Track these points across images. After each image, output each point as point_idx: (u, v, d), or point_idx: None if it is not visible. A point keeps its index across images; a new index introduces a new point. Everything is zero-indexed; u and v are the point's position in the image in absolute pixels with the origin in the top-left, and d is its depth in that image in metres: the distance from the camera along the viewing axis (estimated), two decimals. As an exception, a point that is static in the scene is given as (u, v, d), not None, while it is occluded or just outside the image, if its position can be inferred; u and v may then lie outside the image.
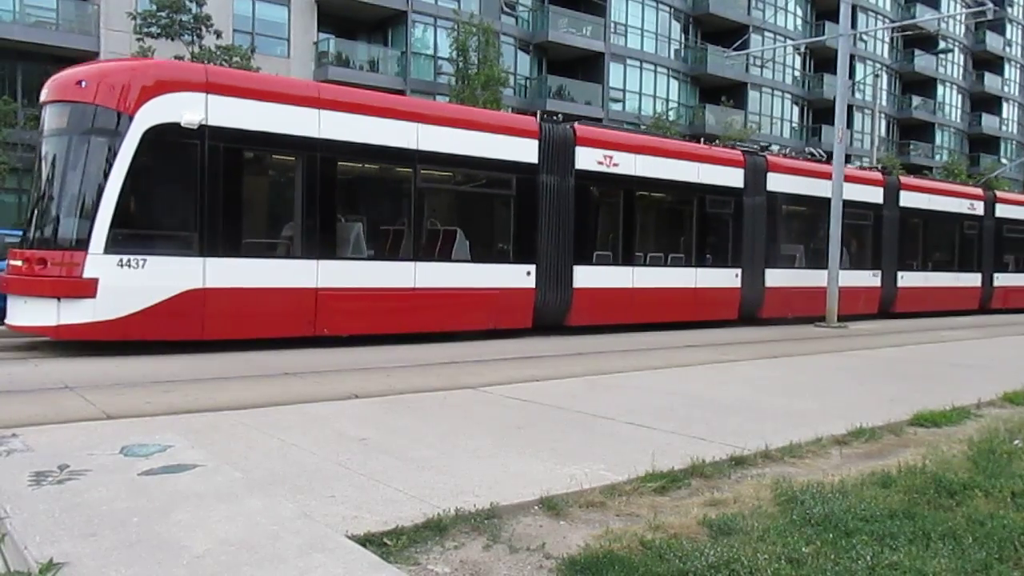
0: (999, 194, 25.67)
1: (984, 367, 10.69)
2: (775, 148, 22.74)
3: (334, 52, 33.12)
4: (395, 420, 6.07)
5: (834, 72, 22.07)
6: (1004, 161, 61.01)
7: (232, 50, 24.80)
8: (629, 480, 4.47)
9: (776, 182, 17.99)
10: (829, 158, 19.59)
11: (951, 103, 60.79)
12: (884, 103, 52.53)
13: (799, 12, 50.92)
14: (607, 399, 7.14)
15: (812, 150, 20.95)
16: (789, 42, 45.17)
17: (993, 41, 62.28)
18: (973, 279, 23.77)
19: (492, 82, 30.70)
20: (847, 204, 18.98)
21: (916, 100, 57.00)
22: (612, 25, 41.00)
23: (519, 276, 13.60)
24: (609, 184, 15.17)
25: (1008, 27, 63.89)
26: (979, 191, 24.77)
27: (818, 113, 50.36)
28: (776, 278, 17.98)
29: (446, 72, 34.09)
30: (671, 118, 40.87)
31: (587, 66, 40.08)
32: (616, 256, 15.32)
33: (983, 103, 62.59)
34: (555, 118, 14.61)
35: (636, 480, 4.47)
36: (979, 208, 23.88)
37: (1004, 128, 64.24)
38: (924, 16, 45.07)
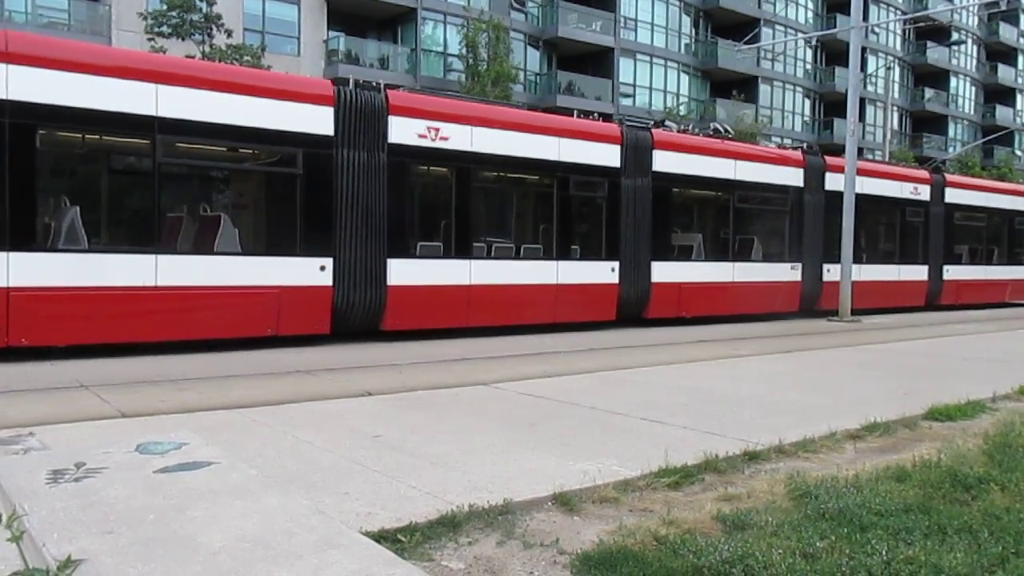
0: (949, 177, 23.02)
1: (998, 360, 10.61)
2: (787, 142, 22.66)
3: (344, 50, 33.18)
4: (408, 417, 6.09)
5: (846, 65, 21.93)
6: (1019, 153, 60.50)
7: (242, 49, 24.89)
8: (642, 476, 4.47)
9: (665, 161, 15.47)
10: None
11: (964, 95, 60.35)
12: (896, 96, 52.19)
13: (810, 5, 50.64)
14: (620, 395, 7.14)
15: (718, 125, 18.52)
16: (800, 35, 45.01)
17: (1007, 32, 61.78)
18: (918, 272, 21.08)
19: (502, 78, 30.70)
20: (754, 187, 17.08)
21: (929, 92, 56.65)
22: (622, 20, 40.89)
23: (310, 271, 11.25)
24: (436, 161, 12.72)
25: (1022, 18, 63.32)
26: (924, 173, 22.04)
27: (830, 106, 50.12)
28: (666, 272, 15.57)
29: (456, 69, 34.11)
30: (682, 113, 40.75)
31: (597, 61, 39.98)
32: (448, 247, 12.82)
33: (997, 95, 62.11)
34: (372, 84, 12.36)
35: (649, 475, 4.47)
36: (925, 193, 21.16)
37: (1019, 120, 63.69)
38: (937, 8, 44.78)
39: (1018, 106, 63.72)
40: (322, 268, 11.37)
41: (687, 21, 45.13)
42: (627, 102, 40.88)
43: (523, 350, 11.26)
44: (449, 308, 12.63)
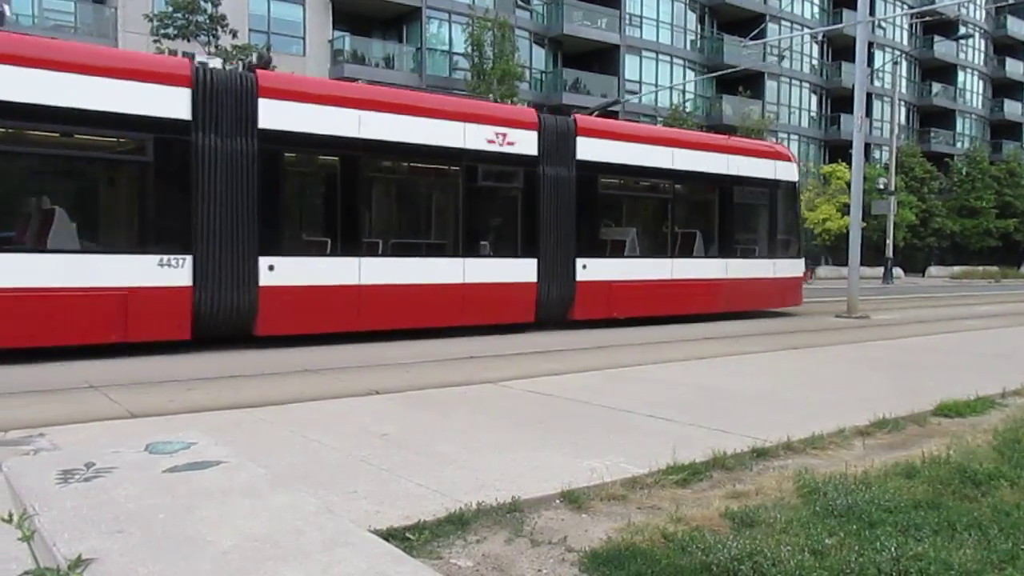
0: (584, 121, 14.58)
1: (1008, 356, 10.57)
2: (795, 138, 22.13)
3: (349, 50, 33.25)
4: (415, 415, 6.09)
5: (852, 60, 21.79)
6: None
7: (248, 49, 24.96)
8: (650, 473, 4.46)
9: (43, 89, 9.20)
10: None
11: (972, 89, 60.14)
12: (904, 90, 52.03)
13: (816, 0, 50.50)
14: (627, 392, 7.13)
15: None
16: (806, 30, 44.84)
17: (1014, 26, 61.51)
18: (515, 269, 13.40)
19: (508, 76, 30.70)
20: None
21: (936, 87, 56.47)
22: (627, 17, 40.87)
23: None
24: None
25: (1030, 11, 63.07)
26: (526, 114, 14.12)
27: (837, 102, 50.00)
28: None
29: (462, 68, 34.13)
30: (688, 109, 40.66)
31: (603, 59, 40.00)
32: None
33: (1005, 89, 61.88)
34: None
35: (657, 473, 4.46)
36: (525, 144, 13.36)
37: (1027, 114, 63.42)
38: (944, 2, 44.57)
39: (1027, 100, 63.42)
40: None
41: (692, 17, 45.10)
42: (633, 99, 40.83)
43: (529, 349, 11.27)
44: None
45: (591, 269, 14.23)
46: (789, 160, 18.35)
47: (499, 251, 13.61)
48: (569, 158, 13.97)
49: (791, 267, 17.83)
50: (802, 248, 18.63)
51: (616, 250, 15.07)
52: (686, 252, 15.93)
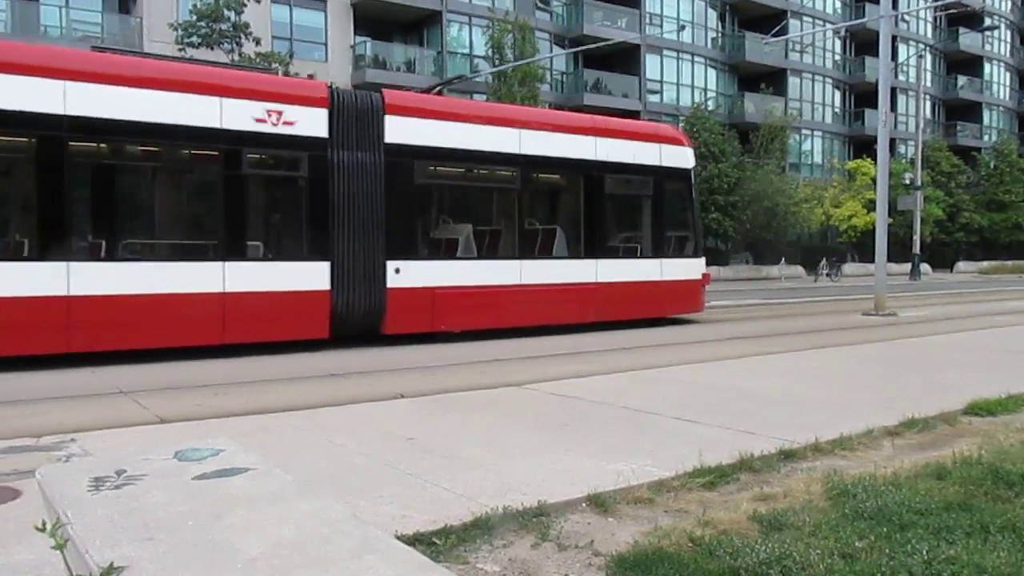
0: (395, 97, 12.36)
1: (1041, 353, 10.40)
2: (818, 135, 21.72)
3: (371, 54, 33.47)
4: (441, 419, 6.11)
5: (876, 55, 21.51)
6: None
7: (271, 56, 25.19)
8: (677, 476, 4.44)
9: None
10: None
11: (999, 81, 59.26)
12: (929, 84, 51.38)
13: (838, -5, 50.07)
14: (652, 394, 7.11)
15: None
16: (829, 26, 44.45)
17: (1042, 16, 60.54)
18: (300, 275, 11.24)
19: (529, 78, 30.69)
20: None
21: (962, 80, 55.74)
22: (647, 16, 40.71)
23: None
24: None
25: (1058, 1, 62.05)
26: (306, 88, 12.06)
27: (860, 97, 49.49)
28: None
29: (482, 70, 34.19)
30: (710, 108, 40.45)
31: (623, 58, 39.88)
32: None
33: (1033, 80, 60.90)
34: None
35: (684, 476, 4.44)
36: (308, 123, 11.23)
37: (1056, 105, 62.35)
38: (969, -7, 43.97)
39: (1055, 91, 62.40)
40: None
41: (713, 15, 44.86)
42: (654, 98, 40.71)
43: (555, 350, 11.25)
44: None
45: (408, 274, 11.89)
46: (680, 144, 15.51)
47: (277, 253, 11.52)
48: (375, 141, 11.70)
49: (685, 268, 15.25)
50: (700, 246, 16.05)
51: (446, 250, 12.87)
52: (543, 252, 13.55)
